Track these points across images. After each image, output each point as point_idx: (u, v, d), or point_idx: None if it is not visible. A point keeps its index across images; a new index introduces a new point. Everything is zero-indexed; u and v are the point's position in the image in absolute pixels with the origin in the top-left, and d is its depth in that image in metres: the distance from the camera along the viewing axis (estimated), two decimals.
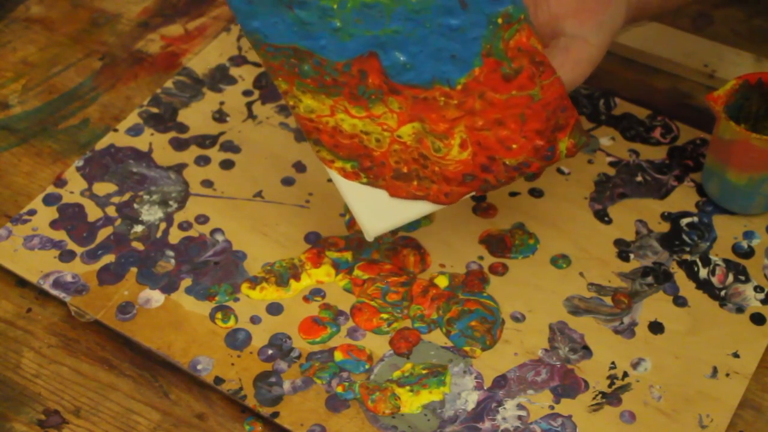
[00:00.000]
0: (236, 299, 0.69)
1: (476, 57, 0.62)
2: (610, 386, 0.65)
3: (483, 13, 0.61)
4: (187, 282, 0.70)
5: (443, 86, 0.62)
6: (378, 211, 0.64)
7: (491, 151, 0.63)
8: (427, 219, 0.73)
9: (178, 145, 0.78)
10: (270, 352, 0.66)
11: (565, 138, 0.63)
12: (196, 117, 0.80)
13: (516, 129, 0.62)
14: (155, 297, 0.69)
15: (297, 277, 0.70)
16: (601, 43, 0.64)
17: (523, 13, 0.61)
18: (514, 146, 0.63)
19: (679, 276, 0.70)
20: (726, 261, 0.71)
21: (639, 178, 0.76)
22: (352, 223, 0.73)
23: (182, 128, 0.79)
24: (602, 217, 0.73)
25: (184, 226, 0.73)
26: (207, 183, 0.75)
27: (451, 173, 0.63)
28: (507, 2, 0.61)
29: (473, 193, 0.64)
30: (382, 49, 0.62)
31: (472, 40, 0.61)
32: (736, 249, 0.72)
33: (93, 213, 0.74)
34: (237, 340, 0.67)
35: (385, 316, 0.68)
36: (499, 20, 0.61)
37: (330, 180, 0.75)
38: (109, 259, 0.71)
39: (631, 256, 0.71)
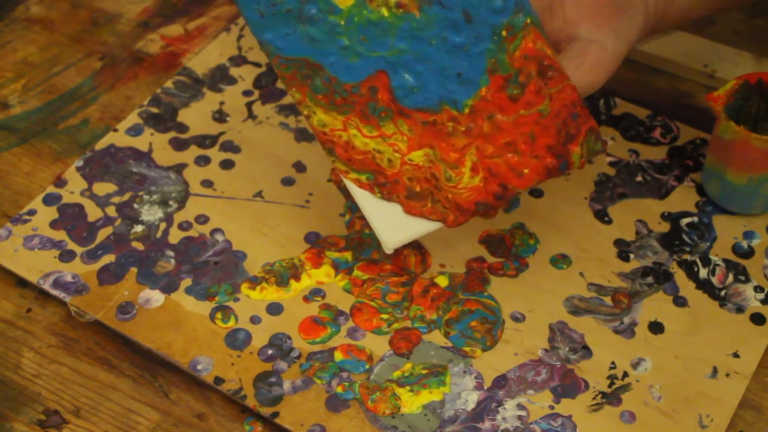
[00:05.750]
0: (236, 299, 0.69)
1: (482, 75, 0.61)
2: (610, 386, 0.65)
3: (488, 25, 0.60)
4: (187, 282, 0.70)
5: (451, 109, 0.62)
6: (395, 223, 0.64)
7: (502, 178, 0.63)
8: None
9: (178, 145, 0.78)
10: (270, 352, 0.66)
11: (577, 148, 0.62)
12: (196, 117, 0.80)
13: (526, 150, 0.62)
14: (155, 297, 0.69)
15: (297, 278, 0.70)
16: (617, 50, 0.63)
17: (529, 17, 0.60)
18: (526, 171, 0.62)
19: (679, 276, 0.70)
20: (726, 261, 0.71)
21: (639, 178, 0.76)
22: (352, 223, 0.73)
23: (182, 128, 0.79)
24: (602, 217, 0.73)
25: (184, 226, 0.73)
26: (207, 183, 0.75)
27: (464, 202, 0.63)
28: (510, 11, 0.60)
29: None
30: (391, 70, 0.62)
31: (477, 55, 0.61)
32: (736, 249, 0.72)
33: (93, 213, 0.74)
34: (237, 340, 0.67)
35: (385, 316, 0.68)
36: (504, 32, 0.60)
37: (330, 180, 0.75)
38: (109, 259, 0.71)
39: (631, 256, 0.71)
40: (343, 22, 0.62)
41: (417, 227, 0.65)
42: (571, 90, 0.61)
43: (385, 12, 0.61)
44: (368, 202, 0.65)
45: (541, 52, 0.61)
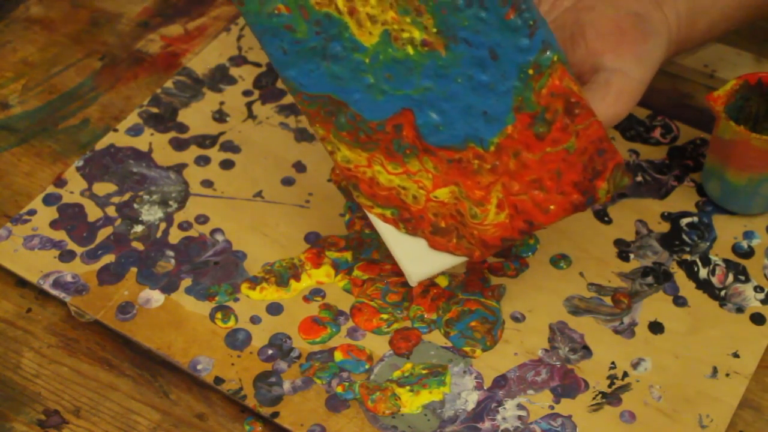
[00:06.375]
0: (236, 299, 0.69)
1: (508, 113, 0.60)
2: (610, 386, 0.65)
3: (514, 63, 0.59)
4: (187, 282, 0.70)
5: (476, 147, 0.61)
6: (421, 256, 0.64)
7: (528, 215, 0.62)
8: None
9: (178, 145, 0.78)
10: (270, 352, 0.66)
11: (603, 184, 0.60)
12: (196, 117, 0.80)
13: (552, 187, 0.61)
14: (155, 297, 0.69)
15: (297, 278, 0.70)
16: (642, 77, 0.62)
17: (556, 54, 0.58)
18: (552, 207, 0.61)
19: (679, 276, 0.70)
20: (726, 261, 0.71)
21: (639, 178, 0.76)
22: (352, 223, 0.73)
23: (182, 128, 0.79)
24: (602, 217, 0.73)
25: (184, 226, 0.73)
26: (207, 183, 0.75)
27: (489, 238, 0.62)
28: (537, 49, 0.58)
29: None
30: (417, 107, 0.61)
31: (503, 93, 0.60)
32: (736, 249, 0.72)
33: (93, 213, 0.74)
34: (237, 340, 0.67)
35: (385, 316, 0.68)
36: (530, 70, 0.59)
37: (330, 180, 0.75)
38: (109, 259, 0.71)
39: (631, 256, 0.71)
40: (367, 60, 0.61)
41: (442, 260, 0.64)
42: (597, 126, 0.60)
43: (410, 50, 0.60)
44: (393, 236, 0.64)
45: (567, 89, 0.59)
